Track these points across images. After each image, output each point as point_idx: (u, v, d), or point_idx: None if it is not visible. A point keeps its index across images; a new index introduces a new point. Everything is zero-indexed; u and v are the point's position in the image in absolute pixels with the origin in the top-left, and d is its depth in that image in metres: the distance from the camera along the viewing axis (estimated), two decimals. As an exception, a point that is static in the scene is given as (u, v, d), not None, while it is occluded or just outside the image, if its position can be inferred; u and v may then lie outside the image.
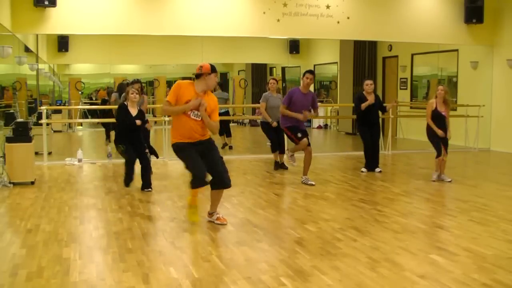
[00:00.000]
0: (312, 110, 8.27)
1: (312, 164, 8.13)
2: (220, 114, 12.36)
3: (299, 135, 7.93)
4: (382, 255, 4.65)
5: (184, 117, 5.38)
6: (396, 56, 15.26)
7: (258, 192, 7.45)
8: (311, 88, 9.23)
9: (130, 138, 7.42)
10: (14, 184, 7.82)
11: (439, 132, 8.11)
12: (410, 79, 14.80)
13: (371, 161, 9.18)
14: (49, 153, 10.61)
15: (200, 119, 5.39)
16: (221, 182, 5.54)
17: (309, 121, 18.16)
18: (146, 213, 6.25)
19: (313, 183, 7.93)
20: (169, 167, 9.78)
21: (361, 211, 6.35)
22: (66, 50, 14.65)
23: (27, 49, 12.11)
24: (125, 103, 7.55)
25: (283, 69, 18.96)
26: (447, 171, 8.35)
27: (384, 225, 5.69)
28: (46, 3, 9.20)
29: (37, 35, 12.09)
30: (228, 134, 12.53)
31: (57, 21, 9.59)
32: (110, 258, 4.58)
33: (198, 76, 5.43)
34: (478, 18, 11.74)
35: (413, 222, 5.90)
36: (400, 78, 15.14)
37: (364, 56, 15.94)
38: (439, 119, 8.15)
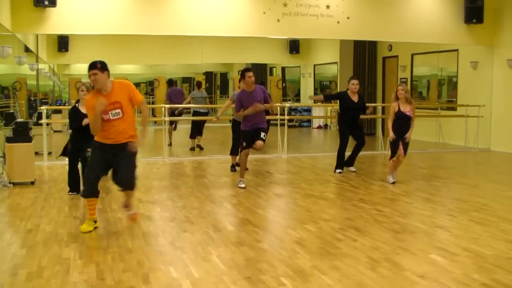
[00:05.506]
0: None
1: (313, 164, 8.11)
2: (200, 114, 12.32)
3: (244, 144, 7.66)
4: (382, 255, 4.65)
5: (104, 121, 5.18)
6: (396, 56, 15.26)
7: (258, 192, 7.45)
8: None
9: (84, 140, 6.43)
10: (14, 184, 7.82)
11: (391, 135, 7.90)
12: (410, 79, 14.80)
13: (348, 160, 9.12)
14: (49, 153, 10.60)
15: (121, 115, 5.20)
16: (120, 183, 5.37)
17: (309, 121, 18.19)
18: (146, 213, 6.24)
19: (243, 186, 7.66)
20: (169, 167, 9.78)
21: (361, 211, 6.35)
22: (66, 50, 14.66)
23: (27, 49, 12.11)
24: (76, 104, 7.01)
25: (283, 69, 18.96)
26: (447, 171, 8.35)
27: (384, 225, 5.69)
28: (46, 3, 9.19)
29: (37, 35, 12.09)
30: (200, 134, 12.24)
31: (57, 21, 9.58)
32: (110, 258, 4.58)
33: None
34: (478, 18, 11.73)
35: (413, 222, 5.90)
36: (400, 78, 15.13)
37: (364, 56, 15.95)
38: (404, 120, 7.97)
